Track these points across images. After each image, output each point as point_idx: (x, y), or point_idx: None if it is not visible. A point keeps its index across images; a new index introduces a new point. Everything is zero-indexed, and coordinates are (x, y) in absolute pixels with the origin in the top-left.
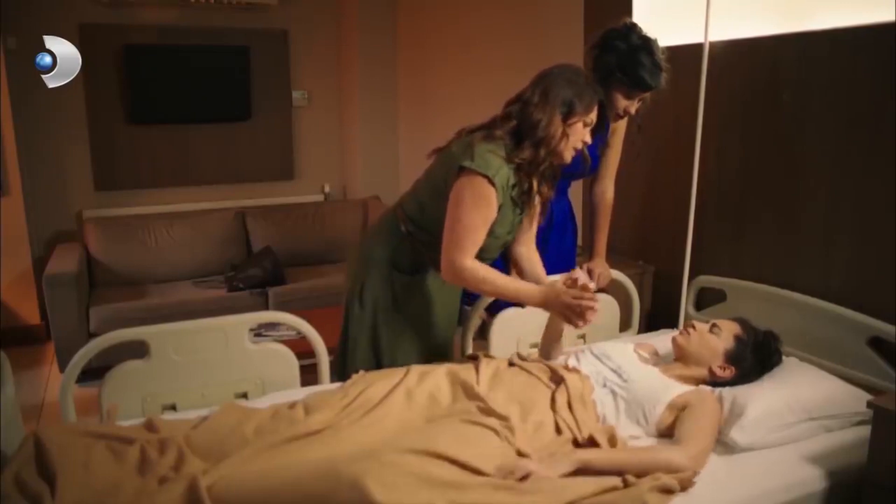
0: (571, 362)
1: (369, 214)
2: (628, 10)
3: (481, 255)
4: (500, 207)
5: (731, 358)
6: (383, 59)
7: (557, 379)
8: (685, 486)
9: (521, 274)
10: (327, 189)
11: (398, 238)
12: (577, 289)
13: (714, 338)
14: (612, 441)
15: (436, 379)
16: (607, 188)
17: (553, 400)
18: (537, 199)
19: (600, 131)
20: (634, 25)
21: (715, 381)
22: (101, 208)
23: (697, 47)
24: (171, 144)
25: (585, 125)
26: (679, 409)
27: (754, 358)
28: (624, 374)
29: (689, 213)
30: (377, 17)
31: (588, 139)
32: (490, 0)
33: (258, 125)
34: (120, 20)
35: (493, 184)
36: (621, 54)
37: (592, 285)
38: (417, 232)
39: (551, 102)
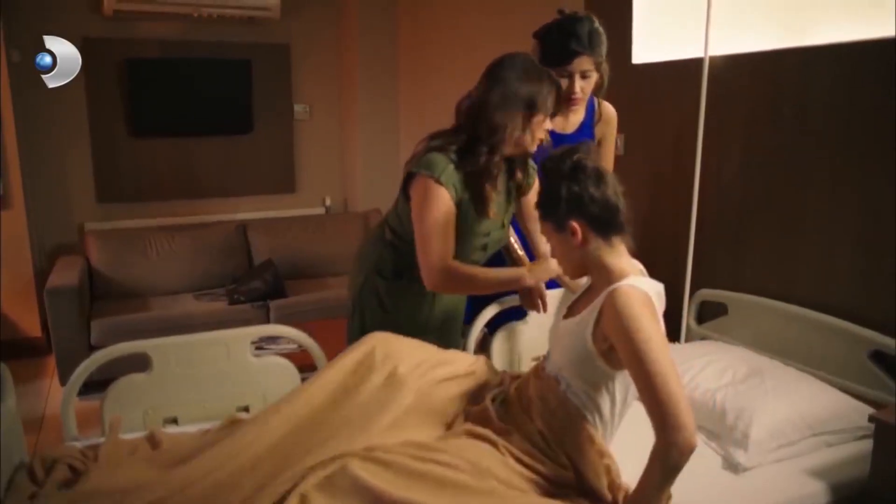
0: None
1: (370, 227)
2: (628, 20)
3: (461, 259)
4: (458, 207)
5: (557, 221)
6: (384, 72)
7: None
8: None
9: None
10: (328, 202)
11: (382, 245)
12: None
13: (550, 239)
14: (609, 472)
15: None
16: None
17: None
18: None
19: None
20: (563, 10)
21: (587, 253)
22: (102, 221)
23: (698, 62)
24: (173, 157)
25: (545, 119)
26: (607, 341)
27: (569, 189)
28: (558, 369)
29: (689, 226)
30: (378, 31)
31: (549, 125)
32: (492, 15)
33: (260, 138)
34: (122, 34)
35: (441, 183)
36: (542, 36)
37: None
38: (397, 240)
39: (512, 103)
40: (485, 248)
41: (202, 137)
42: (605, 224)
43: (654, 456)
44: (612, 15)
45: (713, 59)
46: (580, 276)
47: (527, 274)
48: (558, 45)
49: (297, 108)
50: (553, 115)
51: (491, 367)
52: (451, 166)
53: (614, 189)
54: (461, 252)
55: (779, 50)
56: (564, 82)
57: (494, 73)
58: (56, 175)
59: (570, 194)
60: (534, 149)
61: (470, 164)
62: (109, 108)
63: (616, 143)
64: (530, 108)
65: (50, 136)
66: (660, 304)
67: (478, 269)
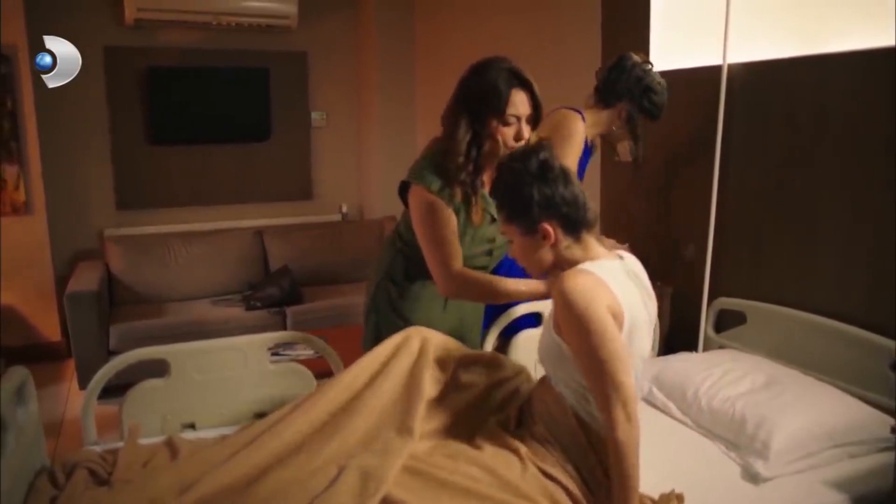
0: None
1: (385, 234)
2: (645, 28)
3: (468, 264)
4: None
5: (527, 224)
6: (402, 79)
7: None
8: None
9: None
10: (344, 209)
11: (394, 251)
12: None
13: (515, 240)
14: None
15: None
16: None
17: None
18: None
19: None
20: (646, 62)
21: (557, 252)
22: (122, 227)
23: (716, 70)
24: (192, 164)
25: (507, 123)
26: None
27: (536, 190)
28: (548, 372)
29: (707, 234)
30: (395, 38)
31: (525, 133)
32: (509, 20)
33: (277, 145)
34: (143, 43)
35: (433, 192)
36: (651, 89)
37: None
38: (405, 247)
39: (458, 108)
40: (490, 253)
41: (220, 145)
42: (576, 222)
43: (611, 450)
44: (630, 22)
45: (731, 67)
46: (543, 274)
47: (538, 288)
48: (661, 105)
49: (315, 115)
50: (531, 124)
51: (524, 375)
52: (435, 174)
53: (578, 186)
54: (466, 259)
55: (797, 58)
56: (627, 124)
57: (462, 77)
58: (77, 182)
59: (541, 196)
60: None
61: (449, 171)
62: (129, 116)
63: (634, 149)
64: (479, 111)
65: (71, 143)
66: (630, 279)
67: (487, 279)
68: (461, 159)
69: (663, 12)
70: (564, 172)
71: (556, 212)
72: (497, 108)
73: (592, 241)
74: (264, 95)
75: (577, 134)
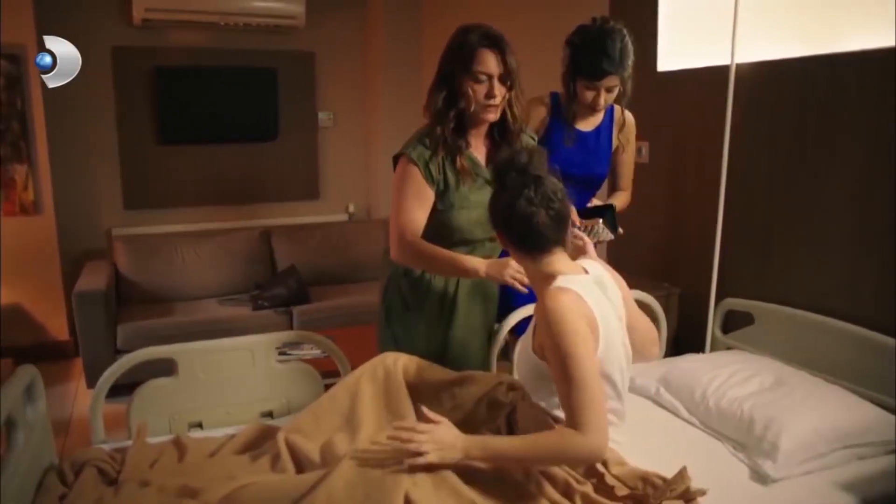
0: None
1: None
2: (653, 28)
3: (470, 236)
4: (442, 181)
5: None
6: (409, 81)
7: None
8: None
9: None
10: (351, 209)
11: None
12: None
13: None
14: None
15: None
16: (624, 197)
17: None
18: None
19: (561, 122)
20: (596, 19)
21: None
22: (129, 226)
23: (723, 69)
24: (200, 164)
25: (478, 81)
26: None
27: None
28: (526, 388)
29: (715, 234)
30: (403, 39)
31: (496, 92)
32: (516, 21)
33: (284, 145)
34: (151, 43)
35: (412, 160)
36: (575, 46)
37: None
38: None
39: (437, 71)
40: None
41: (228, 145)
42: (528, 245)
43: (561, 433)
44: (637, 22)
45: (739, 67)
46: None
47: (482, 268)
48: (589, 61)
49: (322, 115)
50: (507, 84)
51: (503, 385)
52: (421, 146)
53: (547, 202)
54: (465, 229)
55: (805, 57)
56: (590, 94)
57: None
58: (85, 181)
59: (496, 206)
60: (487, 116)
61: (435, 134)
62: (137, 116)
63: (640, 150)
64: (449, 70)
65: (79, 143)
66: (599, 289)
67: (438, 252)
68: (439, 115)
69: (671, 13)
70: (527, 193)
71: (506, 227)
72: (466, 65)
73: (556, 257)
74: (272, 95)
75: (529, 103)
